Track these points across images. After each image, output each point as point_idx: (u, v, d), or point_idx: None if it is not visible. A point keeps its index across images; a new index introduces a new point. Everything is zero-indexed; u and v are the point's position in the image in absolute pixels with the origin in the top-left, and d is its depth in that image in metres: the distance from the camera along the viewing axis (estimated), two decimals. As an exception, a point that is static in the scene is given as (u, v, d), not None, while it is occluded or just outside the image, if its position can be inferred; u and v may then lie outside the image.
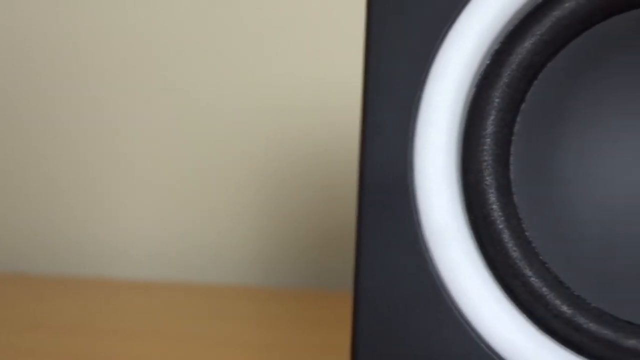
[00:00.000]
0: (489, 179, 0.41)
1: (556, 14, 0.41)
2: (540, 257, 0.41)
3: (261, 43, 0.78)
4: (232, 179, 0.79)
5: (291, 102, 0.78)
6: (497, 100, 0.41)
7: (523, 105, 0.42)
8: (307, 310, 0.69)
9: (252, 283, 0.79)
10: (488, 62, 0.42)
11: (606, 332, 0.40)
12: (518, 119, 0.42)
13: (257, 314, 0.68)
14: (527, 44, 0.41)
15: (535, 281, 0.41)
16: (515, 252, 0.41)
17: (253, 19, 0.78)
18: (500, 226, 0.41)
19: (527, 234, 0.41)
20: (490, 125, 0.41)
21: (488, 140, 0.41)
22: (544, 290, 0.41)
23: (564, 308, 0.40)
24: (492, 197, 0.41)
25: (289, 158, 0.78)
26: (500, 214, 0.41)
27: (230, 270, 0.79)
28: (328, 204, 0.77)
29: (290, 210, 0.79)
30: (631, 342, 0.40)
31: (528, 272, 0.41)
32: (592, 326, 0.40)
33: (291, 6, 0.78)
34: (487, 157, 0.41)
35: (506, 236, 0.41)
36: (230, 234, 0.79)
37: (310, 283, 0.78)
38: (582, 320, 0.40)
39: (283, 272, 0.79)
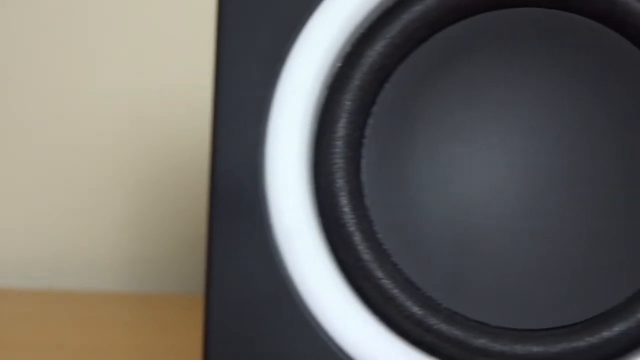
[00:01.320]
0: (340, 182, 0.41)
1: (406, 17, 0.41)
2: (392, 259, 0.41)
3: (117, 46, 0.77)
4: (95, 184, 0.78)
5: (152, 109, 0.77)
6: (348, 103, 0.41)
7: (374, 108, 0.42)
8: (166, 314, 0.69)
9: (118, 288, 0.78)
10: (339, 64, 0.42)
11: (457, 333, 0.41)
12: (369, 121, 0.42)
13: (120, 319, 0.67)
14: (378, 46, 0.41)
15: (386, 283, 0.41)
16: (366, 255, 0.41)
17: (96, 23, 0.77)
18: (351, 229, 0.41)
19: (378, 236, 0.42)
20: (341, 128, 0.41)
21: (339, 143, 0.41)
22: (395, 292, 0.41)
23: (415, 309, 0.41)
24: (343, 200, 0.41)
25: (155, 163, 0.78)
26: (351, 216, 0.41)
27: (96, 275, 0.78)
28: (195, 208, 0.77)
29: (156, 215, 0.78)
30: (481, 342, 0.41)
31: (379, 274, 0.41)
32: (443, 327, 0.41)
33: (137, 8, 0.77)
34: (338, 160, 0.41)
35: (357, 239, 0.41)
36: (97, 239, 0.78)
37: (173, 288, 0.78)
38: (433, 321, 0.41)
39: (145, 278, 0.78)
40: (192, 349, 0.55)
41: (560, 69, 0.42)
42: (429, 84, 0.42)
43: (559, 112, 0.42)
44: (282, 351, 0.41)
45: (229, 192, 0.41)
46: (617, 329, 0.40)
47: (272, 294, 0.41)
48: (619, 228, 0.41)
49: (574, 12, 0.41)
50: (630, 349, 0.40)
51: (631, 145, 0.41)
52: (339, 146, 0.41)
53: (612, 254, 0.41)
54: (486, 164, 0.42)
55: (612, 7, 0.41)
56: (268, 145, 0.41)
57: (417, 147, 0.42)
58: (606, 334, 0.40)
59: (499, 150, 0.42)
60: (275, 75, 0.41)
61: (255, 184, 0.41)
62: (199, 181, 0.74)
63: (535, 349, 0.40)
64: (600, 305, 0.41)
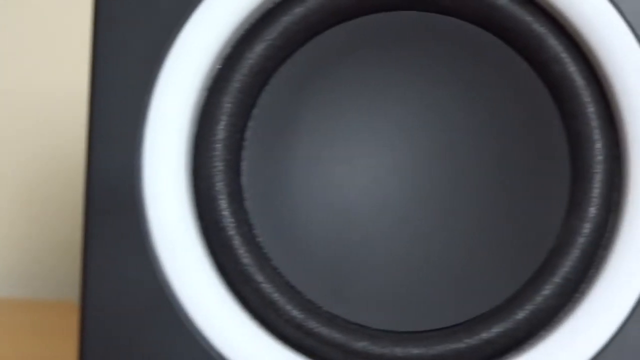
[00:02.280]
0: (219, 185, 0.41)
1: (287, 19, 0.41)
2: (272, 263, 0.41)
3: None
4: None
5: (40, 111, 0.76)
6: (228, 105, 0.41)
7: (255, 110, 0.42)
8: (41, 320, 0.67)
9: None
10: (219, 66, 0.41)
11: (337, 336, 0.41)
12: (250, 124, 0.42)
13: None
14: (258, 48, 0.41)
15: (266, 287, 0.41)
16: (246, 259, 0.41)
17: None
18: (231, 232, 0.41)
19: (258, 240, 0.41)
20: (221, 131, 0.41)
21: (219, 146, 0.41)
22: (275, 295, 0.41)
23: (295, 313, 0.41)
24: (223, 204, 0.41)
25: (35, 167, 0.76)
26: (231, 220, 0.41)
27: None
28: (74, 213, 0.75)
29: (31, 221, 0.76)
30: (361, 345, 0.41)
31: (259, 278, 0.41)
32: (323, 330, 0.41)
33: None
34: (217, 163, 0.41)
35: (237, 242, 0.41)
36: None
37: (48, 294, 0.76)
38: (313, 324, 0.41)
39: (19, 283, 0.76)
40: (68, 357, 0.54)
41: (439, 72, 0.42)
42: (310, 87, 0.42)
43: (437, 114, 0.42)
44: (160, 358, 0.40)
45: (104, 197, 0.40)
46: (496, 330, 0.40)
47: (150, 299, 0.40)
48: (498, 230, 0.42)
49: (451, 15, 0.42)
50: (508, 349, 0.40)
51: (510, 148, 0.42)
52: (218, 149, 0.41)
53: (491, 256, 0.42)
54: (366, 167, 0.42)
55: (491, 11, 0.41)
56: (145, 149, 0.40)
57: (298, 150, 0.42)
58: (485, 335, 0.40)
59: (379, 152, 0.42)
60: (152, 77, 0.40)
61: (132, 188, 0.40)
62: (80, 186, 0.73)
63: (415, 350, 0.41)
64: (479, 306, 0.41)
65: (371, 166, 0.42)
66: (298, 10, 0.41)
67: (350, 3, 0.41)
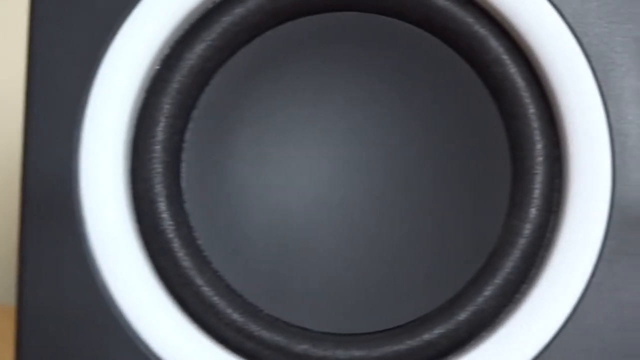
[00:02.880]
0: (158, 188, 0.40)
1: (226, 19, 0.41)
2: (212, 266, 0.41)
3: None
4: None
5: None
6: (167, 106, 0.40)
7: (195, 112, 0.41)
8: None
9: None
10: (158, 67, 0.41)
11: (278, 339, 0.40)
12: (190, 125, 0.41)
13: None
14: (198, 49, 0.41)
15: (206, 290, 0.40)
16: (185, 262, 0.40)
17: None
18: (170, 235, 0.40)
19: (199, 242, 0.41)
20: (160, 133, 0.40)
21: (157, 147, 0.40)
22: (215, 299, 0.40)
23: (235, 316, 0.40)
24: (162, 206, 0.40)
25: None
26: (170, 223, 0.40)
27: None
28: (11, 216, 0.74)
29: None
30: (302, 348, 0.40)
31: (199, 281, 0.40)
32: (264, 333, 0.40)
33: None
34: (156, 165, 0.40)
35: (176, 245, 0.40)
36: None
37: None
38: (253, 328, 0.40)
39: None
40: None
41: (380, 74, 0.42)
42: (250, 88, 0.42)
43: (378, 116, 0.42)
44: (98, 363, 0.40)
45: (41, 200, 0.39)
46: (437, 331, 0.40)
47: (88, 303, 0.39)
48: (440, 231, 0.42)
49: (392, 16, 0.42)
50: (450, 350, 0.40)
51: (452, 149, 0.42)
52: (157, 151, 0.40)
53: (433, 256, 0.42)
54: (308, 168, 0.42)
55: (432, 12, 0.41)
56: (82, 151, 0.39)
57: (239, 152, 0.41)
58: (427, 336, 0.40)
59: (320, 154, 0.42)
60: (89, 78, 0.40)
61: (69, 191, 0.39)
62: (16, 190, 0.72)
63: (357, 353, 0.40)
64: (421, 307, 0.41)
65: (312, 167, 0.42)
66: (238, 11, 0.41)
67: (290, 4, 0.41)
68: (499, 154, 0.42)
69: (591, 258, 0.40)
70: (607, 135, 0.41)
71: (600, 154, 0.41)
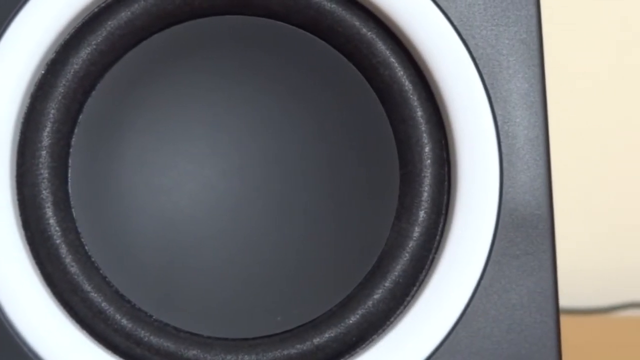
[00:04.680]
0: (45, 193, 0.40)
1: (111, 23, 0.40)
2: (101, 272, 0.40)
3: None
4: None
5: None
6: (52, 111, 0.40)
7: (81, 116, 0.41)
8: None
9: None
10: (43, 72, 0.40)
11: (167, 345, 0.40)
12: (76, 130, 0.41)
13: None
14: (83, 53, 0.40)
15: (94, 296, 0.40)
16: (73, 268, 0.40)
17: None
18: (57, 241, 0.40)
19: (86, 248, 0.40)
20: (45, 138, 0.40)
21: (44, 153, 0.40)
22: (104, 305, 0.40)
23: (124, 322, 0.40)
24: (49, 212, 0.40)
25: None
26: (57, 229, 0.40)
27: None
28: None
29: None
30: (192, 353, 0.40)
31: (87, 287, 0.40)
32: (153, 339, 0.40)
33: None
34: (42, 170, 0.40)
35: (63, 251, 0.40)
36: None
37: None
38: (143, 333, 0.40)
39: None
40: None
41: (268, 77, 0.42)
42: (138, 92, 0.41)
43: (267, 119, 0.42)
44: (-20, 373, 0.39)
45: None
46: (327, 335, 0.40)
47: (-29, 312, 0.39)
48: (330, 235, 0.42)
49: (280, 20, 0.42)
50: (340, 354, 0.40)
51: (341, 152, 0.42)
52: (43, 156, 0.40)
53: (324, 260, 0.42)
54: (196, 172, 0.41)
55: (319, 15, 0.41)
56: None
57: (126, 157, 0.41)
58: (316, 340, 0.40)
59: (208, 158, 0.41)
60: (-31, 83, 0.39)
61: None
62: None
63: (247, 357, 0.40)
64: (312, 311, 0.41)
65: (200, 171, 0.41)
66: (123, 15, 0.40)
67: (176, 7, 0.40)
68: (388, 157, 0.42)
69: (480, 260, 0.41)
70: (495, 138, 0.41)
71: (488, 156, 0.41)
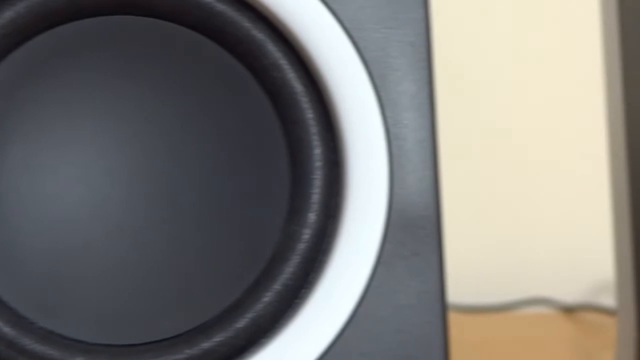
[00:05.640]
0: None
1: None
2: (-17, 278, 0.40)
3: None
4: None
5: None
6: None
7: (-38, 120, 0.40)
8: None
9: None
10: None
11: (52, 352, 0.39)
12: (-42, 133, 0.40)
13: None
14: (-37, 54, 0.39)
15: None
16: None
17: None
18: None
19: (-31, 253, 0.40)
20: None
21: None
22: None
23: (7, 330, 0.39)
24: None
25: None
26: None
27: None
28: None
29: None
30: (77, 360, 0.40)
31: (-32, 294, 0.39)
32: (37, 347, 0.39)
33: None
34: None
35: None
36: None
37: None
38: (26, 341, 0.39)
39: None
40: None
41: (157, 78, 0.41)
42: (21, 94, 0.40)
43: (156, 120, 0.41)
44: None
45: None
46: (216, 339, 0.40)
47: None
48: (219, 238, 0.41)
49: (170, 20, 0.41)
50: (229, 358, 0.40)
51: (231, 154, 0.42)
52: None
53: (213, 263, 0.41)
54: (82, 178, 0.41)
55: (210, 16, 0.41)
56: None
57: (11, 161, 0.40)
58: (205, 345, 0.40)
59: (96, 162, 0.41)
60: None
61: None
62: None
63: (134, 364, 0.40)
64: (201, 315, 0.41)
65: (87, 176, 0.41)
66: (7, 14, 0.39)
67: (61, 7, 0.40)
68: (279, 159, 0.42)
69: (369, 262, 0.41)
70: (384, 140, 0.41)
71: (377, 158, 0.41)
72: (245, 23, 0.41)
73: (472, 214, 0.82)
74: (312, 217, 0.41)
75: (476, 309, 0.79)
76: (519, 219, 0.83)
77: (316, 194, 0.41)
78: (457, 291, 0.78)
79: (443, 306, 0.41)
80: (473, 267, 0.82)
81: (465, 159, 0.81)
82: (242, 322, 0.40)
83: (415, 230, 0.41)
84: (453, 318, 0.80)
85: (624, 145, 0.52)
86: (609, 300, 0.74)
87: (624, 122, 0.52)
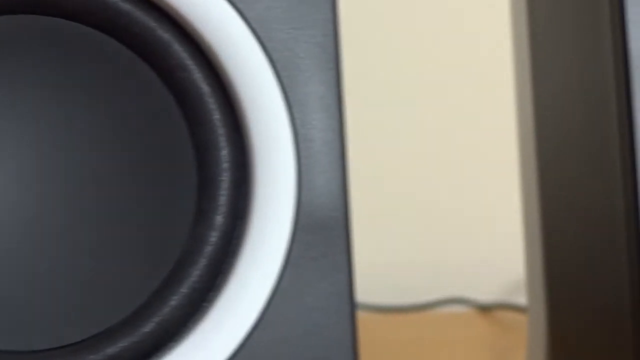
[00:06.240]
0: None
1: None
2: None
3: None
4: None
5: None
6: None
7: None
8: None
9: None
10: None
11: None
12: None
13: None
14: None
15: None
16: None
17: None
18: None
19: None
20: None
21: None
22: None
23: None
24: None
25: None
26: None
27: None
28: None
29: None
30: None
31: None
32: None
33: None
34: None
35: None
36: None
37: None
38: None
39: None
40: None
41: (63, 78, 0.40)
42: None
43: (62, 122, 0.40)
44: None
45: None
46: (121, 344, 0.39)
47: None
48: (126, 241, 0.41)
49: (76, 20, 0.40)
50: (136, 363, 0.40)
51: (137, 156, 0.41)
52: None
53: (119, 267, 0.41)
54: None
55: (116, 16, 0.40)
56: None
57: None
58: (110, 350, 0.39)
59: (7, 161, 0.40)
60: None
61: None
62: None
63: (36, 370, 0.39)
64: (107, 320, 0.40)
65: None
66: None
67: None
68: (186, 161, 0.41)
69: (277, 264, 0.40)
70: (292, 141, 0.41)
71: (285, 159, 0.41)
72: (151, 23, 0.40)
73: (390, 215, 0.83)
74: (219, 219, 0.40)
75: (394, 309, 0.79)
76: (435, 220, 0.83)
77: (223, 196, 0.41)
78: (375, 292, 0.78)
79: (352, 307, 0.41)
80: (391, 267, 0.82)
81: (380, 161, 0.81)
82: (148, 327, 0.39)
83: (324, 231, 0.41)
84: (371, 318, 0.80)
85: (534, 148, 0.52)
86: (523, 299, 0.75)
87: (533, 126, 0.52)
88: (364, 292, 0.75)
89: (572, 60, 0.48)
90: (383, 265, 0.81)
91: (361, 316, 0.79)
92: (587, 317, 0.49)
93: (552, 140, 0.51)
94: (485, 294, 0.79)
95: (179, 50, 0.41)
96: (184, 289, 0.40)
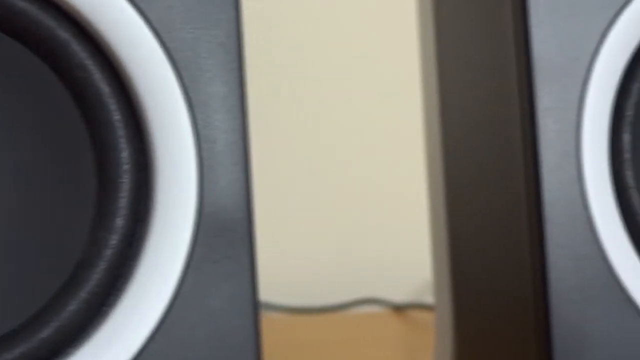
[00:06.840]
0: None
1: None
2: None
3: None
4: None
5: None
6: None
7: None
8: None
9: None
10: None
11: None
12: None
13: None
14: None
15: None
16: None
17: None
18: None
19: None
20: None
21: None
22: None
23: None
24: None
25: None
26: None
27: None
28: None
29: None
30: None
31: None
32: None
33: None
34: None
35: None
36: None
37: None
38: None
39: None
40: None
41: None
42: None
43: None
44: None
45: None
46: (18, 350, 0.38)
47: None
48: (22, 245, 0.40)
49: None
50: (34, 369, 0.39)
51: (35, 157, 0.40)
52: None
53: (16, 272, 0.39)
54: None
55: (10, 14, 0.39)
56: None
57: None
58: (6, 356, 0.38)
59: None
60: None
61: None
62: None
63: None
64: (1, 326, 0.39)
65: None
66: None
67: None
68: (86, 163, 0.40)
69: (178, 267, 0.40)
70: (194, 142, 0.40)
71: (187, 160, 0.40)
72: (49, 22, 0.39)
73: (301, 217, 0.82)
74: (119, 221, 0.40)
75: (308, 310, 0.79)
76: (348, 223, 0.83)
77: (124, 198, 0.40)
78: (288, 293, 0.78)
79: (255, 309, 0.40)
80: (305, 269, 0.82)
81: (286, 162, 0.81)
82: (45, 332, 0.39)
83: (226, 233, 0.40)
84: (284, 320, 0.80)
85: (440, 151, 0.53)
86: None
87: (439, 128, 0.52)
88: (277, 295, 0.75)
89: (478, 61, 0.49)
90: (297, 267, 0.80)
91: (274, 318, 0.79)
92: (491, 316, 0.49)
93: (457, 143, 0.51)
94: (398, 295, 0.79)
95: (78, 50, 0.40)
96: (83, 293, 0.39)
